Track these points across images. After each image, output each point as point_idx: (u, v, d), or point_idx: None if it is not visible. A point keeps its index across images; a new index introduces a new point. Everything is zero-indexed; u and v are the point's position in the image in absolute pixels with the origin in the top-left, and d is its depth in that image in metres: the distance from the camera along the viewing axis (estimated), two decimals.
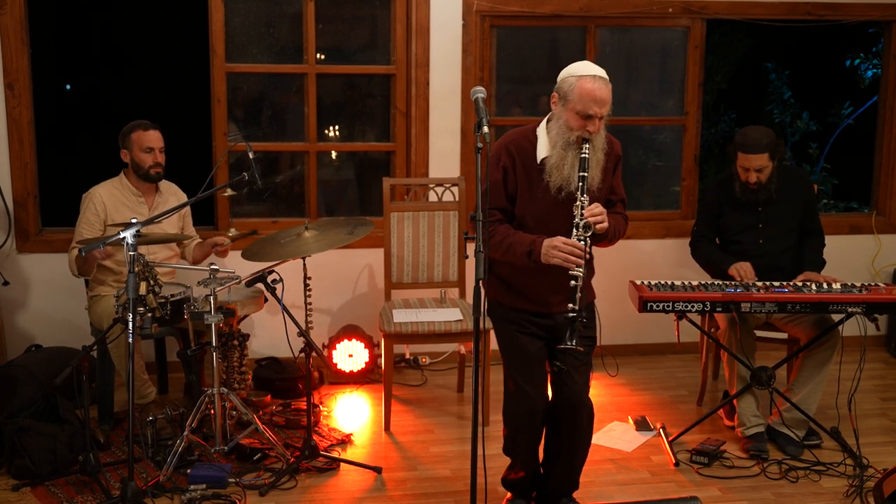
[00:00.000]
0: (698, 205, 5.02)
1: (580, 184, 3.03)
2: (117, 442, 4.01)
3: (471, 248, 2.75)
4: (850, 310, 3.81)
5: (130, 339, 3.29)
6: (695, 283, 3.95)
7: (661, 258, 5.25)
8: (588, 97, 3.00)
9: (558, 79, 3.11)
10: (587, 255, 3.02)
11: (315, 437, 3.88)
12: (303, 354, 3.75)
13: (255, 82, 5.08)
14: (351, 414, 4.46)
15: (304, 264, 4.06)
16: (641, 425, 4.26)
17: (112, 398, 4.20)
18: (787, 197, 4.19)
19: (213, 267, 3.71)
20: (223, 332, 4.08)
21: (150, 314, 3.50)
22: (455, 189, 4.64)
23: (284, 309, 3.69)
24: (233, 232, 4.16)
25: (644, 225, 5.21)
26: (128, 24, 7.12)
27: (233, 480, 3.60)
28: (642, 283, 3.93)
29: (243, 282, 3.87)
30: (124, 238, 3.33)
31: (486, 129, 2.77)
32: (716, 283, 4.00)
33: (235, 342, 4.14)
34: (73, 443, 3.72)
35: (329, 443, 4.05)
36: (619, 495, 3.62)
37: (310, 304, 4.13)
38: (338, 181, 5.42)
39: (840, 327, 3.99)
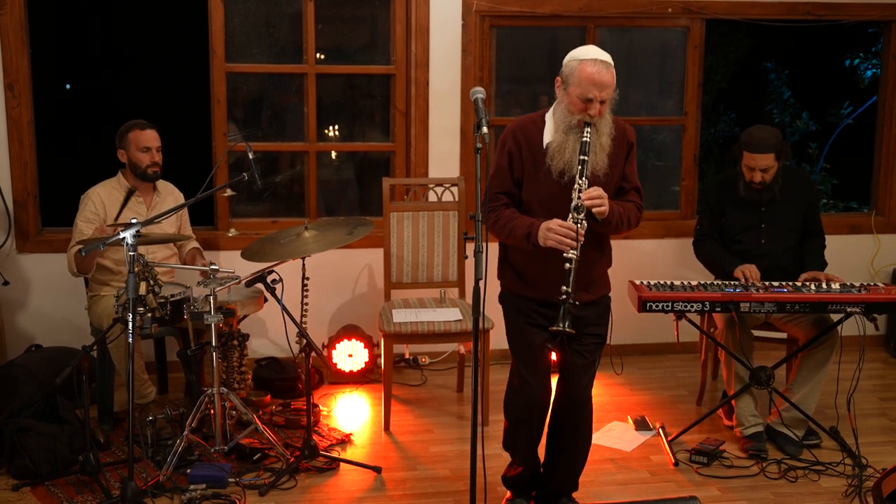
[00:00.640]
0: (699, 204, 5.02)
1: (579, 167, 3.02)
2: (117, 442, 4.01)
3: (470, 248, 2.75)
4: (849, 310, 3.82)
5: (130, 339, 3.29)
6: (694, 282, 3.95)
7: (661, 258, 5.25)
8: (587, 80, 3.00)
9: (563, 63, 3.11)
10: (581, 238, 2.98)
11: (315, 437, 3.89)
12: (302, 354, 3.76)
13: (254, 82, 5.08)
14: (350, 414, 4.46)
15: (304, 264, 4.06)
16: (641, 425, 4.26)
17: (112, 398, 4.20)
18: (790, 197, 4.19)
19: (212, 266, 3.71)
20: (223, 332, 4.08)
21: (149, 314, 3.51)
22: (455, 189, 4.65)
23: (284, 309, 3.69)
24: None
25: (643, 225, 5.20)
26: (127, 24, 7.13)
27: (232, 480, 3.61)
28: (641, 283, 3.93)
29: (243, 282, 3.88)
30: (124, 238, 3.33)
31: (485, 129, 2.78)
32: (715, 282, 4.00)
33: (235, 342, 4.14)
34: (73, 443, 3.72)
35: (329, 443, 4.06)
36: (618, 495, 3.62)
37: (306, 304, 4.13)
38: (337, 181, 5.42)
39: (839, 327, 3.99)
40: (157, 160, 4.22)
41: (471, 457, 2.75)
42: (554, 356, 3.36)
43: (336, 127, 5.23)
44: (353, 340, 4.84)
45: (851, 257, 5.37)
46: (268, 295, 3.76)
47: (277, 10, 4.94)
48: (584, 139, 3.03)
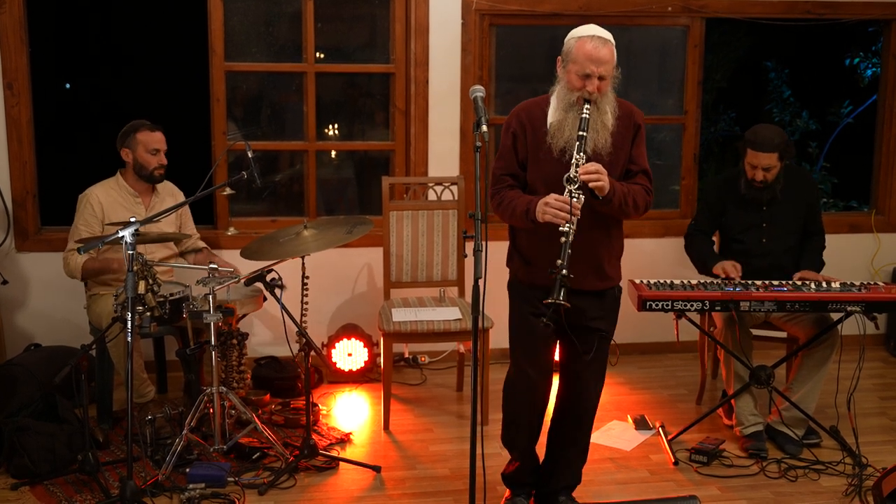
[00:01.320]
0: (699, 202, 5.02)
1: (577, 143, 3.00)
2: (116, 441, 4.01)
3: (470, 246, 2.75)
4: (849, 308, 3.81)
5: (129, 338, 3.29)
6: (694, 281, 3.95)
7: (661, 257, 5.25)
8: (584, 56, 2.99)
9: (563, 42, 3.11)
10: (577, 213, 2.94)
11: (314, 436, 3.89)
12: (302, 353, 3.76)
13: (254, 81, 5.07)
14: (350, 413, 4.46)
15: (303, 263, 4.05)
16: (640, 424, 4.26)
17: (111, 397, 4.20)
18: (792, 197, 4.19)
19: (212, 266, 3.71)
20: (222, 331, 4.07)
21: (148, 313, 3.51)
22: (454, 188, 4.64)
23: (283, 308, 3.69)
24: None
25: (643, 224, 5.20)
26: (127, 23, 7.13)
27: (232, 479, 3.60)
28: (641, 282, 3.92)
29: (242, 281, 3.87)
30: (123, 237, 3.33)
31: (484, 127, 2.77)
32: (715, 281, 4.00)
33: (234, 341, 4.13)
34: (72, 442, 3.72)
35: (328, 442, 4.05)
36: (618, 494, 3.62)
37: (306, 303, 4.12)
38: (337, 180, 5.42)
39: (839, 326, 3.99)
40: (164, 162, 4.24)
41: (470, 456, 2.75)
42: (557, 356, 3.34)
43: (335, 126, 5.23)
44: (353, 339, 4.83)
45: (851, 256, 5.37)
46: (267, 294, 3.75)
47: (277, 9, 4.94)
48: (584, 115, 3.01)
